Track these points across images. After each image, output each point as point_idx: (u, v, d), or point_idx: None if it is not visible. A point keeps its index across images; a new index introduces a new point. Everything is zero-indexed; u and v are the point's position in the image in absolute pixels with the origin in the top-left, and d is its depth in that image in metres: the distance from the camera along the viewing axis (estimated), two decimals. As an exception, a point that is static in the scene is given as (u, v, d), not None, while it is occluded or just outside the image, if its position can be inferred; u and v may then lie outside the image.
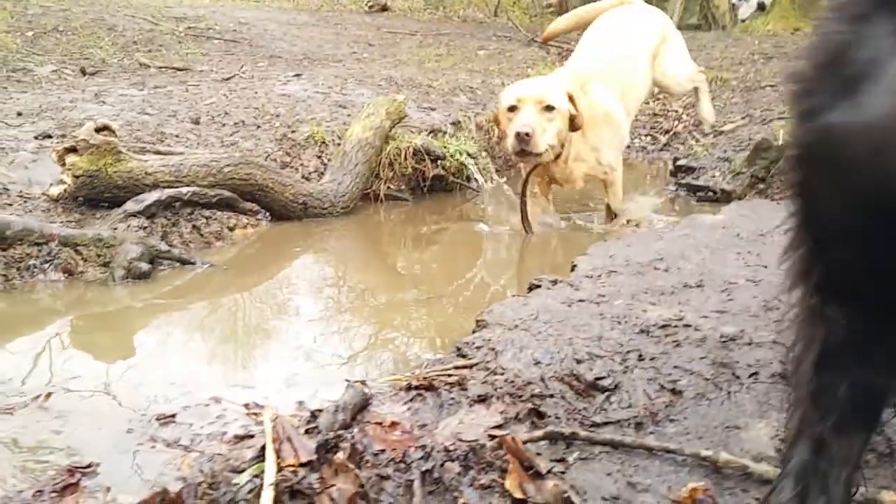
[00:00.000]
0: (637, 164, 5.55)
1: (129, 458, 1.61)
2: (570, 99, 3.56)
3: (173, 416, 1.78)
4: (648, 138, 6.08)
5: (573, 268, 2.47)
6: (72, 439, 1.71)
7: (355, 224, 3.97)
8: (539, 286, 2.27)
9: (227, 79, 6.23)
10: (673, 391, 1.67)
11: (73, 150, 3.25)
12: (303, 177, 4.25)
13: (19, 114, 4.61)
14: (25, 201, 3.32)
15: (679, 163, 4.65)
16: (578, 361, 1.79)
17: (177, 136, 4.29)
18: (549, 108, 3.47)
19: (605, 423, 1.58)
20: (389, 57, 8.09)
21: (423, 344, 2.38)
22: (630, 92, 4.07)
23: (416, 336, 2.48)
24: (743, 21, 12.51)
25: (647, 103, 6.91)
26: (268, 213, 3.82)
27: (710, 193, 4.13)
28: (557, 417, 1.60)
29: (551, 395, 1.67)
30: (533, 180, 3.88)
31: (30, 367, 2.09)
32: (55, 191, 3.29)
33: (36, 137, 4.04)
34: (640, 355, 1.79)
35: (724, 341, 1.83)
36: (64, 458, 1.63)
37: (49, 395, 1.87)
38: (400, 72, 6.84)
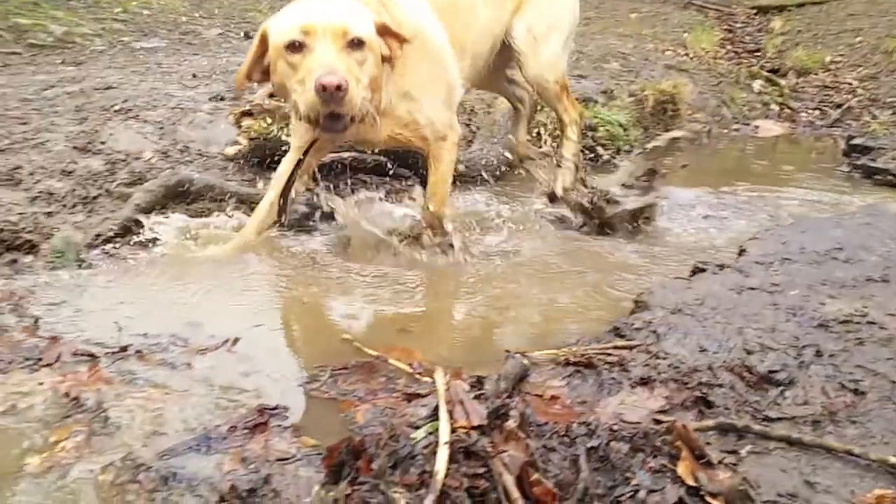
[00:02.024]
0: (802, 140, 5.18)
1: (312, 404, 1.76)
2: (381, 28, 2.42)
3: (346, 368, 1.92)
4: (817, 112, 5.64)
5: (741, 252, 2.37)
6: (258, 382, 1.89)
7: (501, 191, 3.99)
8: (704, 270, 2.20)
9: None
10: (855, 391, 1.57)
11: (248, 113, 3.50)
12: (452, 144, 4.32)
13: (194, 76, 4.98)
14: (205, 159, 3.61)
15: (853, 142, 4.28)
16: (749, 352, 1.73)
17: (336, 100, 4.48)
18: (357, 44, 2.30)
19: (779, 419, 1.52)
20: (537, 21, 7.96)
21: (573, 320, 2.36)
22: (462, 21, 2.86)
23: (566, 311, 2.46)
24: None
25: (816, 73, 6.41)
26: (418, 179, 3.92)
27: (890, 177, 3.78)
28: (727, 408, 1.57)
29: (720, 385, 1.63)
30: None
31: (215, 314, 2.29)
32: (231, 150, 3.56)
33: (210, 99, 4.35)
34: (818, 351, 1.70)
35: (913, 343, 1.70)
36: (252, 399, 1.80)
37: (237, 339, 2.06)
38: (548, 37, 6.73)
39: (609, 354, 1.81)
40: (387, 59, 2.47)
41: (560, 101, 3.35)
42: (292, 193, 2.88)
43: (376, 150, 3.08)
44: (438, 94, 2.72)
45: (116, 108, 3.95)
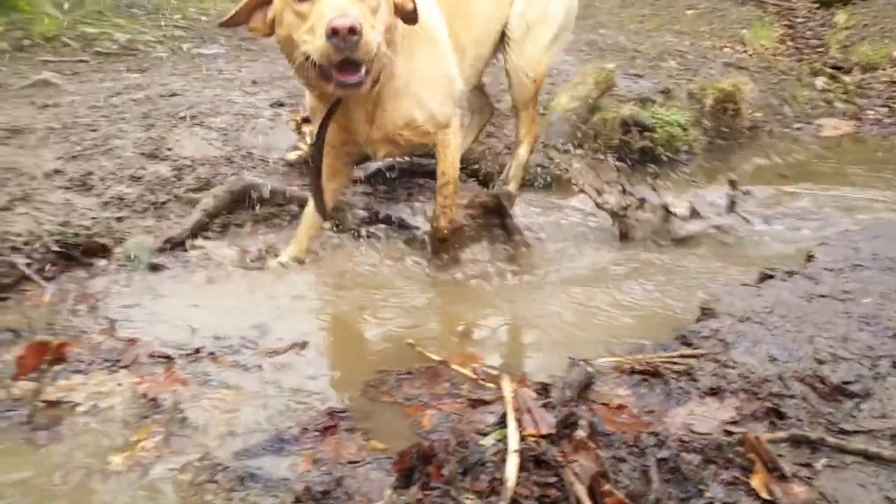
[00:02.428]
0: (869, 139, 5.00)
1: (378, 408, 1.79)
2: None
3: (410, 372, 1.95)
4: (885, 109, 5.44)
5: (809, 258, 2.31)
6: (325, 385, 1.94)
7: (556, 196, 3.96)
8: (772, 276, 2.16)
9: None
10: (936, 405, 1.53)
11: (308, 119, 3.56)
12: (505, 147, 4.32)
13: (254, 82, 5.09)
14: (266, 165, 3.70)
15: (926, 140, 4.11)
16: (820, 362, 1.70)
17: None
18: None
19: (856, 432, 1.49)
20: (589, 19, 7.87)
21: (636, 327, 2.34)
22: (464, 20, 2.78)
23: (627, 318, 2.43)
24: None
25: (883, 69, 6.18)
26: (474, 182, 3.93)
27: (966, 177, 3.63)
28: (799, 420, 1.54)
29: (791, 396, 1.60)
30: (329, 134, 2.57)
31: (281, 317, 2.35)
32: (292, 156, 3.64)
33: (271, 105, 4.45)
34: (895, 362, 1.66)
35: None
36: (320, 402, 1.85)
37: (304, 343, 2.12)
38: (602, 35, 6.65)
39: (676, 363, 1.79)
40: (399, 10, 2.35)
41: (526, 109, 3.20)
42: (339, 196, 2.94)
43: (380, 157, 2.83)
44: (439, 86, 2.63)
45: (181, 114, 4.08)
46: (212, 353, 2.07)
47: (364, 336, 2.20)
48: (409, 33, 2.44)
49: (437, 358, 2.02)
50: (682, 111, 4.47)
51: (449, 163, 2.72)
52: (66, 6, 6.79)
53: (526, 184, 3.88)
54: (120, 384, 1.95)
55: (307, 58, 2.14)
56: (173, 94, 4.53)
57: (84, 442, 1.72)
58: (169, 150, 3.69)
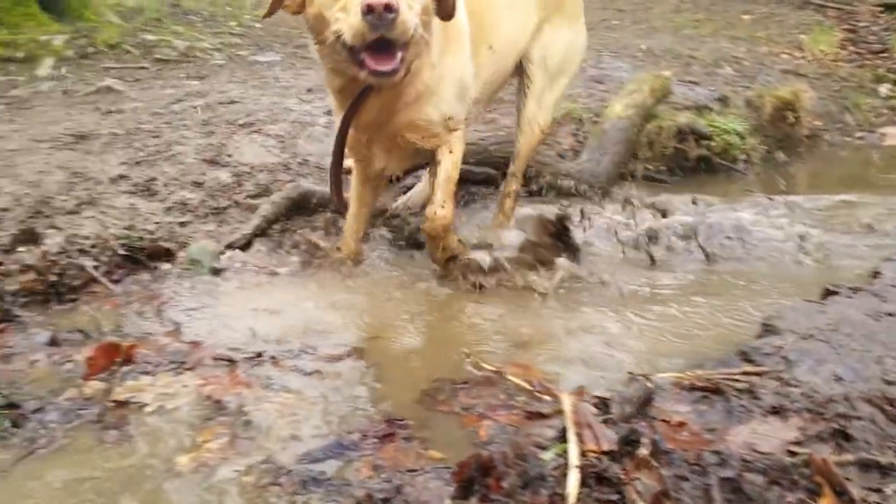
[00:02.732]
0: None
1: (434, 417, 1.81)
2: None
3: (466, 382, 1.97)
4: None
5: (875, 275, 2.25)
6: (383, 392, 1.97)
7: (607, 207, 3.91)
8: (836, 293, 2.11)
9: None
10: None
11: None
12: (557, 155, 4.30)
13: (309, 90, 5.19)
14: (322, 171, 3.76)
15: None
16: (889, 383, 1.66)
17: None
18: None
19: (929, 458, 1.45)
20: (643, 24, 7.79)
21: (694, 342, 2.30)
22: (490, 19, 2.68)
23: (685, 333, 2.39)
24: None
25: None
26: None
27: None
28: (867, 442, 1.50)
29: (858, 417, 1.57)
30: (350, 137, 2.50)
31: (340, 324, 2.39)
32: (348, 163, 3.68)
33: (326, 113, 4.52)
34: (969, 385, 1.61)
35: None
36: (378, 409, 1.88)
37: (362, 350, 2.16)
38: (656, 41, 6.57)
39: (737, 380, 1.77)
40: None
41: (525, 160, 3.13)
42: (377, 198, 2.92)
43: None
44: (460, 88, 2.54)
45: (241, 122, 4.19)
46: (273, 358, 2.12)
47: (419, 345, 2.23)
48: (442, 28, 2.36)
49: (491, 368, 2.03)
50: (740, 119, 4.39)
51: (454, 163, 2.60)
52: (126, 14, 7.03)
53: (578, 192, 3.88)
54: (185, 386, 2.01)
55: (338, 37, 2.06)
56: (232, 102, 4.66)
57: (152, 442, 1.78)
58: (229, 156, 3.79)
